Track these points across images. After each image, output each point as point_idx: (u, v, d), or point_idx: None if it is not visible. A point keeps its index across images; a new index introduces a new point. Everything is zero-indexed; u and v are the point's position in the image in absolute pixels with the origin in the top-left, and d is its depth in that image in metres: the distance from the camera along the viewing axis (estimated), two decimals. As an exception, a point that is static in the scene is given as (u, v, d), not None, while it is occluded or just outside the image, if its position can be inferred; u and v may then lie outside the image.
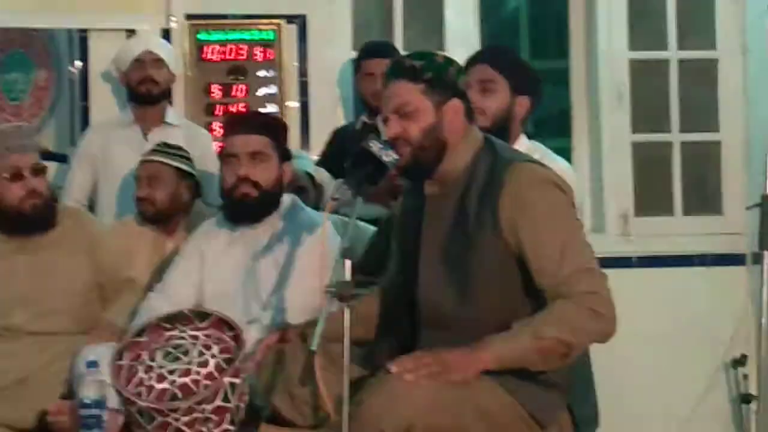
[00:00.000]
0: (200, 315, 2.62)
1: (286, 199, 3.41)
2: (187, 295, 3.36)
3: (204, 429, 2.40)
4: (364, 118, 4.32)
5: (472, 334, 2.56)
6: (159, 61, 4.30)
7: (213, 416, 2.41)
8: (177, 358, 2.47)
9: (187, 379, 2.42)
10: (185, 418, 2.36)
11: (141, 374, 2.44)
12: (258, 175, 3.27)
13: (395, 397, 2.38)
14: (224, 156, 3.35)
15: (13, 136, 3.67)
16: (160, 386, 2.41)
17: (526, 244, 2.55)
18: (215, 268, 3.37)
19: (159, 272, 3.57)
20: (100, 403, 2.92)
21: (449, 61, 2.78)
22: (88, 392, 2.93)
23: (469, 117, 2.73)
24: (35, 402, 3.24)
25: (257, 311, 3.23)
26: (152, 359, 2.46)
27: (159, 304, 3.32)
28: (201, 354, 2.49)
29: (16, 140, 3.59)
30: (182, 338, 2.53)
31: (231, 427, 2.44)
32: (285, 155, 3.39)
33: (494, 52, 3.77)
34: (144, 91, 4.28)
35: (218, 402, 2.40)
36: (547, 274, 2.53)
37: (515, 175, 2.59)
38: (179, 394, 2.40)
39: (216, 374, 2.46)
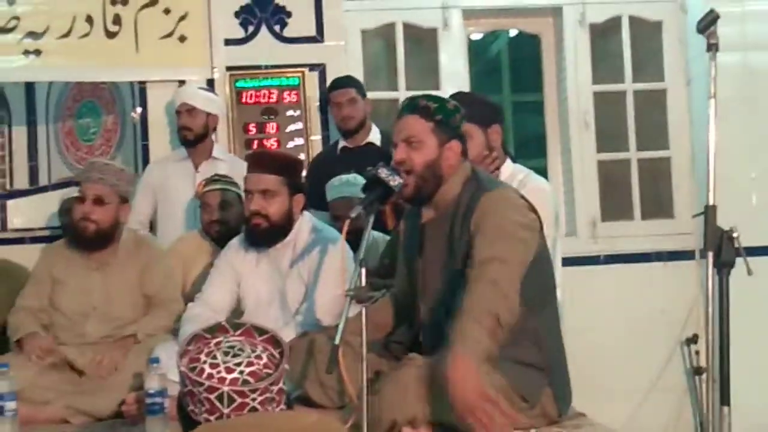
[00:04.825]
0: (235, 325, 2.75)
1: (307, 222, 3.55)
2: (223, 303, 3.57)
3: (269, 408, 2.48)
4: (343, 142, 4.63)
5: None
6: (192, 110, 4.57)
7: (276, 396, 2.52)
8: (237, 354, 2.55)
9: (253, 368, 2.51)
10: (260, 398, 2.46)
11: (209, 370, 2.50)
12: (268, 209, 3.41)
13: (404, 391, 2.56)
14: (244, 190, 3.52)
15: (94, 168, 3.89)
16: (230, 376, 2.48)
17: (473, 239, 2.68)
18: (250, 281, 3.55)
19: (201, 281, 3.80)
20: (162, 393, 3.11)
21: (457, 109, 2.88)
22: (152, 384, 3.11)
23: (464, 155, 2.89)
24: (112, 395, 3.51)
25: (290, 316, 3.47)
26: (214, 357, 2.53)
27: (199, 310, 3.55)
28: (253, 351, 2.59)
29: (95, 173, 3.84)
30: (230, 342, 2.62)
31: (285, 407, 2.53)
32: (297, 189, 3.50)
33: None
34: (182, 137, 4.61)
35: (281, 384, 2.48)
36: (472, 262, 2.61)
37: (483, 201, 2.73)
38: (251, 380, 2.49)
39: (271, 363, 2.56)
